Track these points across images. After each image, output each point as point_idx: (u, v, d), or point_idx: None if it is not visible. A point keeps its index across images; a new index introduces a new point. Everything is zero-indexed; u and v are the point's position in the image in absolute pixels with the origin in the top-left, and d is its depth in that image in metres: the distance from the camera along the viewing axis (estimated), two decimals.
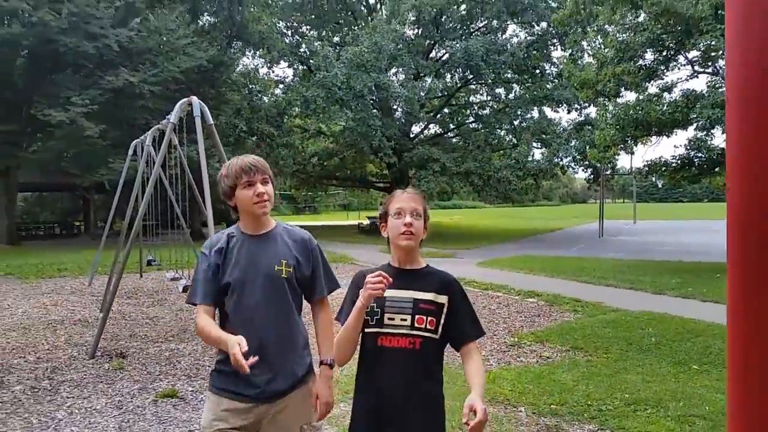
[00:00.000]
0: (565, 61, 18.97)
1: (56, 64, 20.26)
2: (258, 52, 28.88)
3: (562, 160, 25.51)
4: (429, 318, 1.95)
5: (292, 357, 2.21)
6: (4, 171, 21.35)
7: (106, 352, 6.10)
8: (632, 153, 16.10)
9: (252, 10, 26.21)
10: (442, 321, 1.97)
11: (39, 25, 17.88)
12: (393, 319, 1.96)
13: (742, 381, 0.94)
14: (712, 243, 19.66)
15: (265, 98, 28.40)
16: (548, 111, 27.43)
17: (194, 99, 6.88)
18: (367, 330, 1.98)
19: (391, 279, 1.88)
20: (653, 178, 19.62)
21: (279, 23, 30.16)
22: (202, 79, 22.94)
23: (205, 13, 27.26)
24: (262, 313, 2.15)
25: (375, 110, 25.76)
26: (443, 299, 1.99)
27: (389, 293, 1.93)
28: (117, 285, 6.80)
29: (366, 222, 30.19)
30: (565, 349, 6.24)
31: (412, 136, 29.05)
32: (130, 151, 11.52)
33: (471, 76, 26.94)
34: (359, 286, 1.96)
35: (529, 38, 26.24)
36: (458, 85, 29.21)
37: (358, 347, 2.03)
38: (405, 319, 1.95)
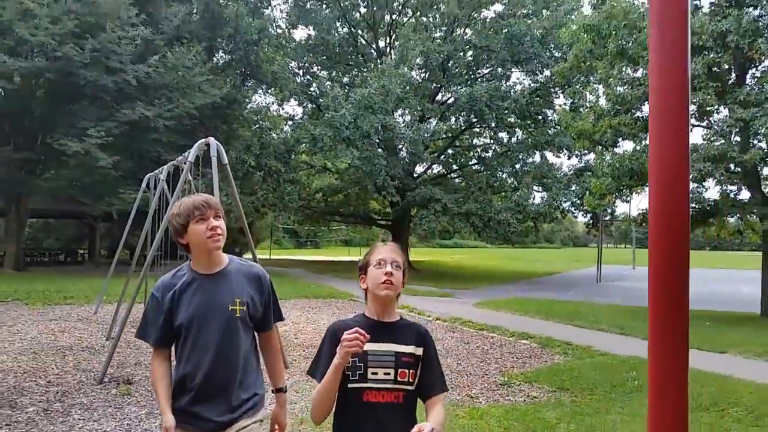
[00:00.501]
0: (562, 111, 19.60)
1: (75, 95, 21.00)
2: (270, 91, 29.78)
3: (561, 204, 25.97)
4: (410, 371, 1.96)
5: (247, 391, 2.27)
6: (17, 197, 21.90)
7: (114, 378, 6.40)
8: (627, 201, 16.52)
9: (266, 50, 27.14)
10: (419, 373, 1.99)
11: (63, 59, 18.63)
12: (376, 373, 1.94)
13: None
14: (707, 291, 19.89)
15: (274, 134, 29.16)
16: (550, 155, 28.02)
17: (212, 140, 7.35)
18: (350, 386, 1.93)
19: (368, 335, 1.85)
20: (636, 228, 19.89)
21: (291, 63, 31.15)
22: (215, 114, 23.68)
23: (221, 51, 28.24)
24: (216, 351, 2.19)
25: (380, 149, 26.41)
26: (420, 351, 2.01)
27: (370, 347, 1.90)
28: (128, 314, 7.14)
29: None
30: (552, 390, 6.52)
31: (415, 175, 29.62)
32: (143, 184, 11.96)
33: (475, 120, 27.68)
34: (335, 340, 1.93)
35: (532, 85, 27.02)
36: (462, 128, 29.96)
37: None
38: (388, 373, 1.94)
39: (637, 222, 14.34)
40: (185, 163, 9.13)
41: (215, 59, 27.33)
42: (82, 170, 19.65)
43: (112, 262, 12.50)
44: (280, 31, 31.73)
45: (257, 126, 28.50)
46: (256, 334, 2.38)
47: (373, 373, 1.93)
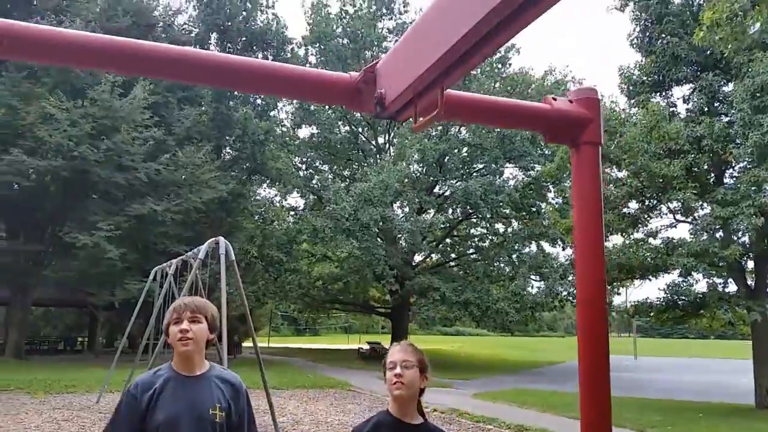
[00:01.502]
0: (550, 210, 20.50)
1: (87, 191, 21.97)
2: (275, 185, 31.02)
3: (560, 294, 26.31)
4: None
5: None
6: (22, 288, 22.32)
7: None
8: (618, 294, 16.99)
9: (272, 148, 28.58)
10: None
11: (78, 158, 19.71)
12: None
13: None
14: (709, 381, 19.89)
15: (276, 226, 30.05)
16: (546, 245, 28.69)
17: (221, 239, 8.01)
18: None
19: None
20: (637, 319, 20.22)
21: (295, 159, 32.65)
22: (221, 208, 24.65)
23: (228, 149, 29.71)
24: None
25: (379, 240, 27.15)
26: None
27: None
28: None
29: (366, 347, 30.44)
30: None
31: (414, 264, 30.17)
32: (151, 276, 12.51)
33: (471, 211, 28.65)
34: None
35: (525, 179, 28.19)
36: (459, 219, 30.90)
37: None
38: None
39: (629, 314, 14.75)
40: (194, 259, 9.78)
41: (223, 156, 28.69)
42: (89, 262, 20.21)
43: (110, 351, 12.76)
44: (285, 129, 33.49)
45: (260, 218, 29.47)
46: None
47: None
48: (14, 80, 19.78)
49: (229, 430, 2.21)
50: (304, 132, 34.77)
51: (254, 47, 30.50)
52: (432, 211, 29.66)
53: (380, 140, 34.34)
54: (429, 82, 1.37)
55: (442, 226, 29.66)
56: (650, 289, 40.51)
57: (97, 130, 20.20)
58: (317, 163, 34.42)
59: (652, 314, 14.10)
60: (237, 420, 2.25)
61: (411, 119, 1.55)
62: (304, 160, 33.83)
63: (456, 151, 28.64)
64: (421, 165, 29.29)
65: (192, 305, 2.23)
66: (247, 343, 29.31)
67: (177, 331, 2.17)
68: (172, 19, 28.92)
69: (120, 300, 21.07)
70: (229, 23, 29.27)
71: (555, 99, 1.69)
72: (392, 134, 33.19)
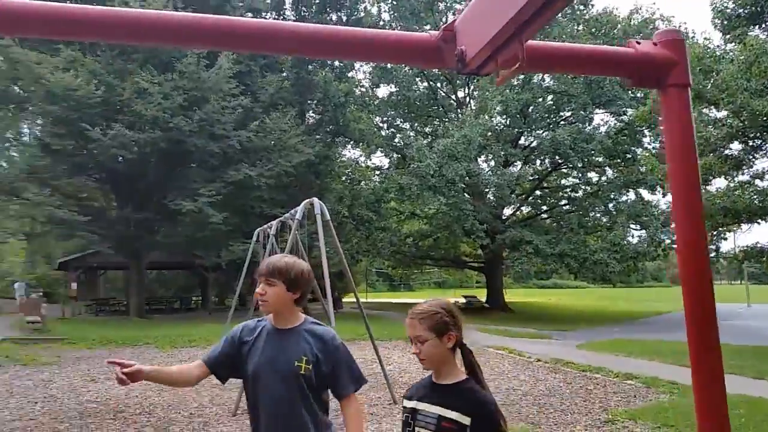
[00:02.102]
0: (645, 157, 19.34)
1: (185, 160, 23.34)
2: (358, 146, 31.44)
3: (663, 242, 25.10)
4: None
5: None
6: (137, 252, 24.35)
7: (245, 410, 7.26)
8: (724, 239, 15.96)
9: (352, 109, 28.84)
10: None
11: (174, 130, 20.90)
12: None
13: None
14: None
15: (363, 185, 30.60)
16: (645, 193, 27.31)
17: (315, 200, 8.31)
18: None
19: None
20: (748, 265, 18.75)
21: (376, 118, 32.80)
22: (309, 171, 25.44)
23: (311, 113, 30.33)
24: (277, 404, 2.25)
25: (466, 195, 26.97)
26: (466, 420, 1.90)
27: (421, 406, 2.00)
28: None
29: (461, 300, 30.72)
30: (656, 426, 6.63)
31: (503, 218, 29.79)
32: (254, 237, 13.22)
33: (561, 161, 27.68)
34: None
35: (617, 125, 26.75)
36: (548, 170, 29.97)
37: None
38: None
39: (739, 259, 13.87)
40: (292, 220, 10.22)
41: (307, 121, 29.36)
42: (195, 227, 21.66)
43: (222, 309, 13.74)
44: (363, 90, 33.59)
45: (347, 179, 30.10)
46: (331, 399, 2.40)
47: None
48: (108, 58, 21.08)
49: (319, 380, 2.27)
50: (382, 91, 34.75)
51: (328, 9, 30.55)
52: (519, 164, 28.95)
53: (460, 94, 33.67)
54: (509, 35, 1.38)
55: (530, 178, 28.93)
56: (761, 234, 37.56)
57: (188, 101, 21.22)
58: (398, 122, 34.39)
59: (764, 259, 13.17)
60: (330, 371, 2.29)
61: (493, 73, 1.58)
62: (385, 119, 33.89)
63: (540, 100, 27.59)
64: (504, 117, 28.51)
65: (266, 269, 2.31)
66: (347, 299, 30.44)
67: (256, 293, 2.32)
68: None
69: (226, 261, 22.50)
70: None
71: (639, 42, 1.66)
72: (472, 87, 32.44)
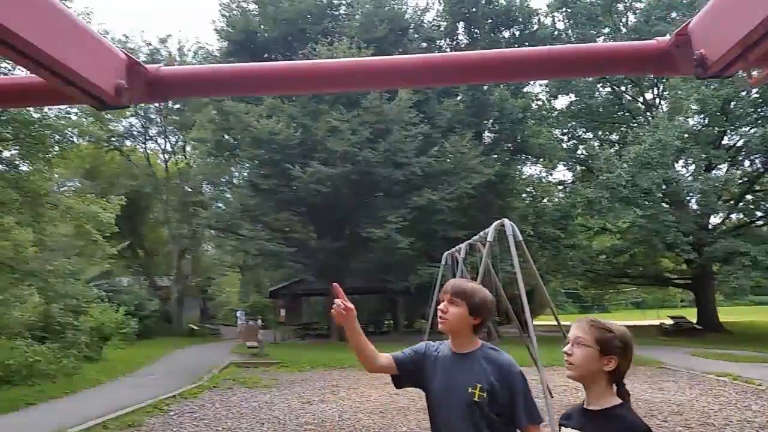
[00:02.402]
0: None
1: (373, 190, 24.79)
2: (540, 161, 30.66)
3: None
4: None
5: None
6: (336, 280, 26.17)
7: None
8: None
9: (530, 124, 28.28)
10: None
11: (362, 162, 22.39)
12: None
13: None
14: None
15: (547, 202, 29.66)
16: None
17: (506, 221, 8.32)
18: None
19: None
20: None
21: (555, 131, 31.71)
22: (489, 191, 25.43)
23: (487, 132, 30.35)
24: (452, 430, 2.25)
25: (665, 204, 24.69)
26: None
27: None
28: None
29: (669, 322, 28.04)
30: None
31: (710, 227, 26.66)
32: (443, 261, 13.60)
33: None
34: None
35: None
36: (760, 171, 26.26)
37: None
38: None
39: None
40: (481, 243, 10.31)
41: (484, 141, 29.44)
42: (384, 252, 22.83)
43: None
44: (540, 103, 32.71)
45: (528, 196, 29.44)
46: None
47: None
48: (303, 102, 23.37)
49: (493, 408, 2.18)
50: (560, 102, 33.57)
51: (500, 27, 30.50)
52: (724, 166, 25.81)
53: (647, 96, 31.12)
54: (763, 33, 1.32)
55: (739, 181, 25.58)
56: None
57: (373, 134, 22.68)
58: (580, 132, 32.82)
59: None
60: (506, 400, 2.20)
61: (738, 74, 1.50)
62: (565, 131, 32.58)
63: (744, 93, 24.35)
64: (702, 116, 25.68)
65: (452, 289, 2.31)
66: (540, 321, 29.46)
67: (438, 310, 2.32)
68: (421, 18, 30.64)
69: (414, 285, 23.28)
70: (474, 9, 29.76)
71: None
72: (661, 88, 29.82)
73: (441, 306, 2.31)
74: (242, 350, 20.13)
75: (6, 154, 14.29)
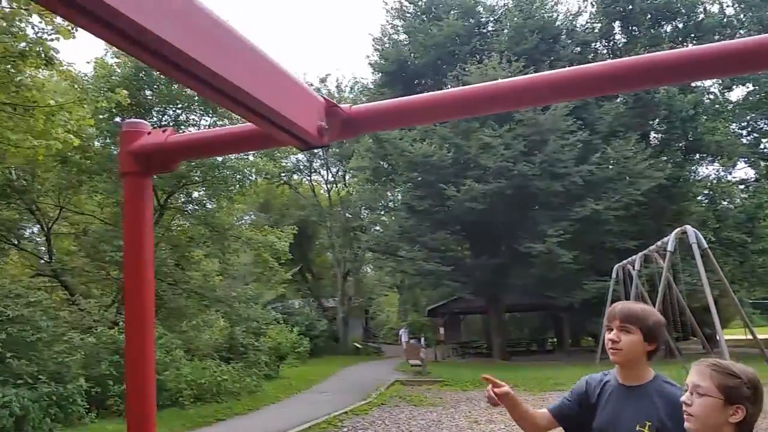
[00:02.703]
0: None
1: (530, 203, 24.08)
2: (717, 160, 27.73)
3: None
4: None
5: None
6: (494, 297, 25.78)
7: None
8: None
9: (702, 120, 25.77)
10: None
11: (517, 176, 21.89)
12: None
13: None
14: None
15: (726, 203, 26.71)
16: None
17: (688, 228, 7.57)
18: None
19: None
20: None
21: (731, 125, 28.52)
22: (660, 196, 23.47)
23: (653, 134, 28.13)
24: None
25: None
26: None
27: None
28: None
29: None
30: None
31: None
32: (613, 275, 12.73)
33: None
34: None
35: None
36: None
37: None
38: None
39: None
40: (658, 253, 9.49)
41: (651, 142, 27.33)
42: (546, 267, 21.98)
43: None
44: (713, 97, 29.60)
45: (705, 198, 26.68)
46: None
47: None
48: (455, 122, 23.49)
49: None
50: (735, 94, 30.03)
51: (661, 22, 28.31)
52: None
53: None
54: None
55: None
56: None
57: (528, 146, 22.11)
58: (761, 125, 29.06)
59: None
60: None
61: None
62: (743, 124, 29.09)
63: None
64: None
65: (622, 314, 2.10)
66: (730, 335, 26.35)
67: (607, 340, 2.11)
68: (573, 22, 29.45)
69: (579, 300, 22.09)
70: (630, 6, 27.96)
71: None
72: None
73: (611, 335, 2.09)
74: (405, 368, 20.51)
75: (195, 194, 16.28)
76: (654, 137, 28.25)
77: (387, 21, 30.63)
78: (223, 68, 1.14)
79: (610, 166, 22.48)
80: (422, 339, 27.41)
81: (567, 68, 1.53)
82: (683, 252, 8.65)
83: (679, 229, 7.40)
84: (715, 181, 28.54)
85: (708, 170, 30.13)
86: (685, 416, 1.70)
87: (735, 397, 1.63)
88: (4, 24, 6.97)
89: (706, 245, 6.98)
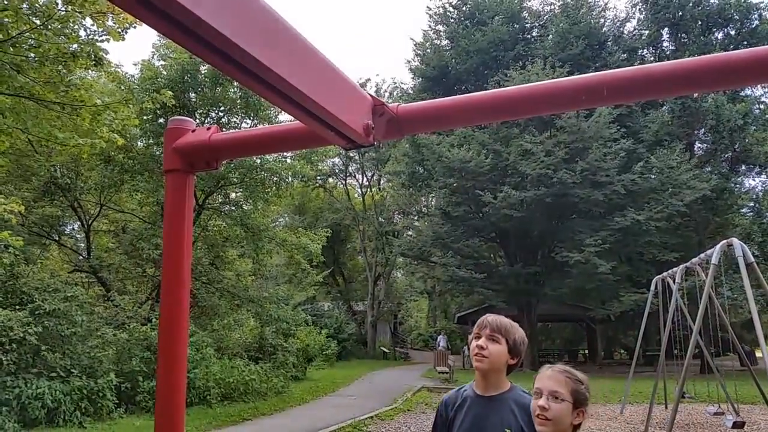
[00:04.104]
0: None
1: (569, 212, 23.67)
2: (766, 171, 26.79)
3: None
4: None
5: None
6: (527, 306, 25.41)
7: None
8: None
9: (751, 131, 24.95)
10: None
11: (557, 184, 21.54)
12: None
13: None
14: None
15: None
16: None
17: (735, 240, 7.28)
18: None
19: None
20: None
21: None
22: (704, 207, 22.80)
23: (698, 143, 27.38)
24: None
25: None
26: None
27: None
28: (674, 415, 7.37)
29: None
30: None
31: None
32: (652, 287, 12.30)
33: None
34: None
35: None
36: None
37: None
38: None
39: None
40: (700, 266, 9.17)
41: (696, 152, 26.61)
42: (583, 277, 21.54)
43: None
44: (764, 107, 28.59)
45: (752, 211, 25.79)
46: None
47: None
48: (494, 128, 23.28)
49: None
50: None
51: (712, 28, 27.51)
52: None
53: None
54: None
55: None
56: None
57: (569, 154, 21.73)
58: None
59: None
60: None
61: None
62: None
63: None
64: None
65: (493, 324, 2.15)
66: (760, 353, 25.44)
67: (474, 346, 2.14)
68: (621, 29, 28.93)
69: (616, 312, 21.59)
70: (680, 13, 27.28)
71: None
72: None
73: (480, 342, 2.13)
74: (432, 375, 20.39)
75: (232, 195, 16.50)
76: (699, 147, 27.49)
77: (429, 26, 30.67)
78: (275, 63, 1.11)
79: (653, 176, 21.90)
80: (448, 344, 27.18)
81: (606, 71, 1.49)
82: (725, 265, 8.38)
83: (724, 241, 7.12)
84: (761, 194, 27.57)
85: (755, 182, 29.14)
86: (539, 420, 1.78)
87: (580, 401, 1.79)
88: (59, 26, 7.19)
89: (752, 259, 6.70)
